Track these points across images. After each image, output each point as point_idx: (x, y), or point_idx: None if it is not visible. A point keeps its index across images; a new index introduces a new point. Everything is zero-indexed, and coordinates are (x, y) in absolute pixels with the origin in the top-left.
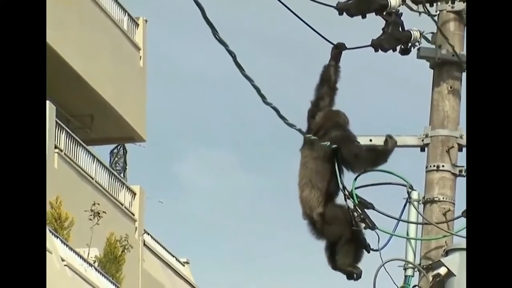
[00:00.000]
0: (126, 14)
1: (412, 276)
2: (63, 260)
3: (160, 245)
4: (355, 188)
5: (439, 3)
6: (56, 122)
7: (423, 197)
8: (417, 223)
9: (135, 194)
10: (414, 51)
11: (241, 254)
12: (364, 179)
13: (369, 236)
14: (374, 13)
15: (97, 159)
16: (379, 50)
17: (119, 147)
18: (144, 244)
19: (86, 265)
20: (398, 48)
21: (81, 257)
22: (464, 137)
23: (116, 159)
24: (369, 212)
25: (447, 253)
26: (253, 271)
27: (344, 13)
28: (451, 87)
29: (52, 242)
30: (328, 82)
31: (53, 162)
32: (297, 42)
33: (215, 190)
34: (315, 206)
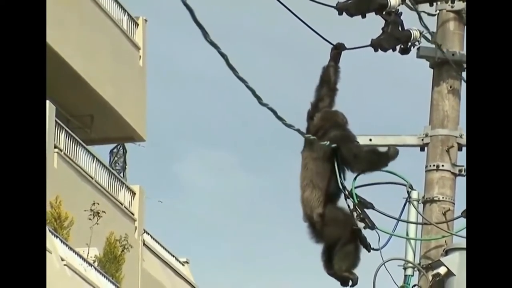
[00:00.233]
0: (126, 13)
1: (412, 275)
2: (62, 260)
3: (160, 244)
4: (355, 188)
5: (438, 3)
6: (56, 121)
7: (423, 197)
8: (417, 223)
9: (134, 193)
10: (414, 50)
11: (241, 254)
12: (363, 179)
13: (369, 235)
14: (373, 13)
15: (96, 158)
16: (379, 49)
17: (118, 146)
18: (144, 244)
19: (85, 264)
20: (397, 47)
21: (80, 256)
22: (464, 136)
23: (116, 158)
24: (368, 211)
25: (446, 252)
26: (253, 271)
27: (344, 13)
28: (450, 87)
29: (52, 242)
30: (327, 83)
31: (52, 161)
32: (297, 42)
33: (215, 190)
34: (315, 206)
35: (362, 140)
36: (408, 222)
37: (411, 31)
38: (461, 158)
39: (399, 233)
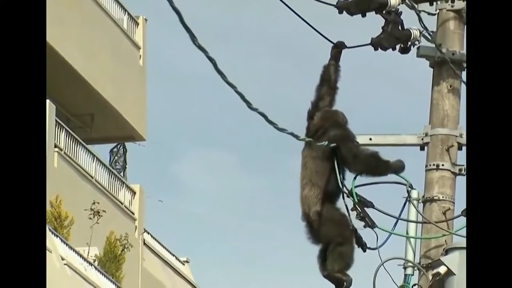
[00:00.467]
0: (126, 13)
1: (412, 275)
2: (63, 259)
3: (160, 244)
4: (355, 187)
5: (438, 2)
6: (56, 121)
7: (423, 196)
8: (416, 222)
9: (135, 193)
10: (413, 50)
11: (240, 254)
12: (363, 178)
13: (368, 235)
14: (373, 12)
15: (97, 158)
16: (379, 49)
17: (119, 146)
18: (144, 243)
19: (86, 264)
20: (397, 47)
21: (81, 256)
22: (464, 136)
23: (116, 158)
24: (369, 210)
25: (446, 252)
26: (252, 271)
27: (344, 12)
28: (450, 86)
29: (52, 241)
30: (328, 82)
31: (53, 161)
32: (297, 42)
33: (215, 190)
34: (313, 203)
35: (362, 139)
36: (408, 221)
37: (411, 30)
38: (461, 157)
39: (399, 232)
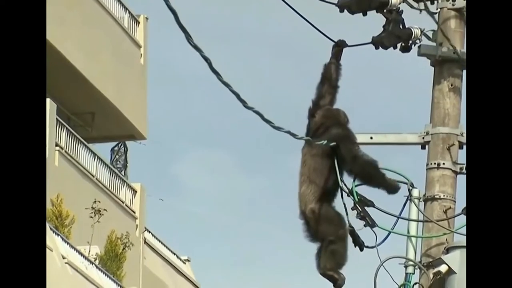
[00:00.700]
0: (127, 12)
1: (413, 273)
2: (64, 258)
3: (161, 242)
4: (355, 186)
5: (439, 1)
6: (57, 120)
7: (424, 195)
8: (417, 221)
9: (136, 191)
10: (414, 48)
11: (240, 254)
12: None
13: (367, 234)
14: (374, 11)
15: (98, 156)
16: (380, 47)
17: (120, 144)
18: (145, 242)
19: (87, 262)
20: (398, 45)
21: (82, 254)
22: (465, 134)
23: (117, 156)
24: (369, 209)
25: (447, 250)
26: (252, 271)
27: (345, 11)
28: (451, 85)
29: (53, 240)
30: (329, 80)
31: (54, 160)
32: (297, 41)
33: (214, 190)
34: (309, 201)
35: (363, 138)
36: (409, 220)
37: (412, 29)
38: (462, 156)
39: (400, 231)
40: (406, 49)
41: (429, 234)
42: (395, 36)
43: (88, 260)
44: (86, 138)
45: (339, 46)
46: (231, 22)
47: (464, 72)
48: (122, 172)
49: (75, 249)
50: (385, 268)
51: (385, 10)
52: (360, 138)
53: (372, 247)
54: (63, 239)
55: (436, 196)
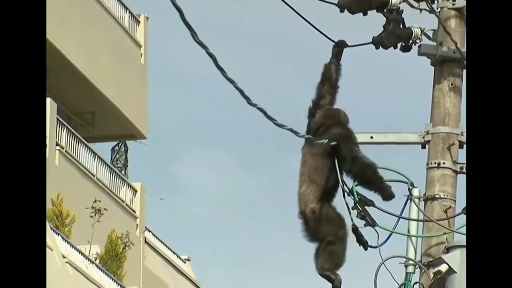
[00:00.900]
0: (127, 11)
1: (413, 273)
2: (64, 257)
3: (161, 242)
4: (356, 185)
5: (440, 0)
6: (58, 119)
7: (424, 194)
8: (418, 220)
9: (136, 191)
10: (415, 48)
11: (240, 254)
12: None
13: (368, 233)
14: (375, 11)
15: (98, 156)
16: (380, 47)
17: (120, 144)
18: (145, 241)
19: (87, 262)
20: (399, 45)
21: (82, 254)
22: (465, 134)
23: (117, 156)
24: (369, 209)
25: (448, 250)
26: (252, 271)
27: (346, 11)
28: (452, 84)
29: (53, 239)
30: (329, 80)
31: (54, 159)
32: (297, 41)
33: (214, 190)
34: (310, 200)
35: (363, 138)
36: (409, 219)
37: (412, 28)
38: (462, 155)
39: (400, 231)
40: (406, 48)
41: (429, 234)
42: (395, 35)
43: (89, 259)
44: (87, 138)
45: (339, 46)
46: (231, 22)
47: (464, 71)
48: (123, 172)
49: (75, 248)
50: (386, 267)
51: (385, 10)
52: (360, 138)
53: (375, 247)
54: (63, 238)
55: (436, 196)
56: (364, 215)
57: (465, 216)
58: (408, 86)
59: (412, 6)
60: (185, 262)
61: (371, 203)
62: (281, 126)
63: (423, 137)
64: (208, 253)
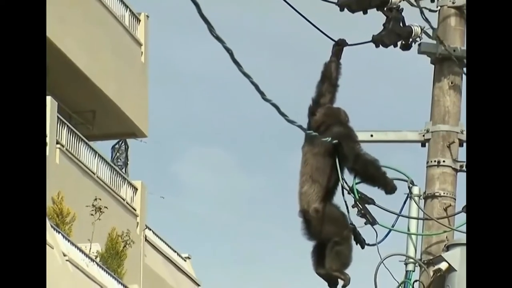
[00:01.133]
0: (128, 10)
1: (413, 271)
2: (64, 255)
3: (162, 240)
4: (356, 183)
5: None
6: (58, 117)
7: (424, 192)
8: (418, 218)
9: (136, 189)
10: (415, 46)
11: (240, 254)
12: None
13: (368, 231)
14: (375, 9)
15: (98, 154)
16: (380, 45)
17: (120, 142)
18: (146, 239)
19: (87, 260)
20: (399, 43)
21: (82, 252)
22: (465, 132)
23: (118, 154)
24: (369, 207)
25: (448, 248)
26: (252, 271)
27: (345, 9)
28: (452, 83)
29: (54, 237)
30: (329, 78)
31: (55, 157)
32: (296, 42)
33: (214, 189)
34: (313, 200)
35: (363, 136)
36: (409, 217)
37: (412, 27)
38: (462, 154)
39: (400, 229)
40: (406, 47)
41: (429, 232)
42: (395, 34)
43: (89, 257)
44: (87, 136)
45: (339, 45)
46: (231, 22)
47: (464, 70)
48: (123, 170)
49: (76, 246)
50: (385, 266)
51: (385, 9)
52: (360, 136)
53: (373, 245)
54: (64, 236)
55: (436, 194)
56: (364, 213)
57: (465, 214)
58: (408, 84)
59: (412, 4)
60: (185, 260)
61: (371, 201)
62: (292, 122)
63: (423, 135)
64: (209, 252)
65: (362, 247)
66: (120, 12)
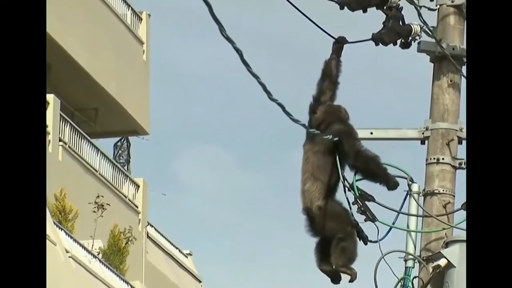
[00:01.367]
0: (130, 8)
1: (413, 267)
2: (67, 252)
3: (164, 237)
4: (356, 181)
5: None
6: (61, 115)
7: (423, 190)
8: (417, 216)
9: (138, 186)
10: (414, 45)
11: (240, 252)
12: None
13: (369, 228)
14: (374, 8)
15: (101, 152)
16: (380, 44)
17: (122, 140)
18: (148, 236)
19: (90, 256)
20: (398, 42)
21: (85, 249)
22: (464, 130)
23: (120, 152)
24: (369, 204)
25: (447, 244)
26: (252, 269)
27: (345, 8)
28: (451, 81)
29: (57, 234)
30: (329, 76)
31: (57, 155)
32: (295, 42)
33: (215, 187)
34: (316, 198)
35: (363, 133)
36: (408, 214)
37: (411, 25)
38: (461, 151)
39: (399, 226)
40: (405, 45)
41: (429, 229)
42: (395, 32)
43: (91, 254)
44: (90, 134)
45: (339, 43)
46: (230, 21)
47: (463, 68)
48: (125, 167)
49: (78, 243)
50: (385, 261)
51: (385, 7)
52: (360, 134)
53: (375, 242)
54: (66, 233)
55: (435, 191)
56: (364, 210)
57: (463, 211)
58: (407, 82)
59: (411, 3)
60: (187, 257)
61: (371, 198)
62: (296, 121)
63: (423, 133)
64: (209, 249)
65: (365, 243)
66: (122, 11)
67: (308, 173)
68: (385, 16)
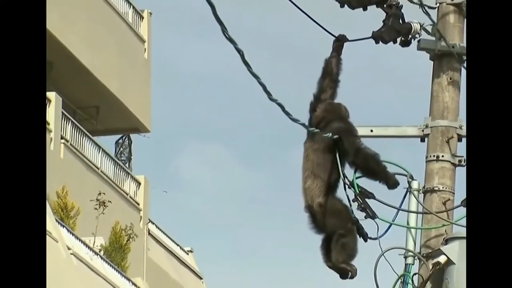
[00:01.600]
0: (131, 7)
1: (412, 264)
2: (69, 249)
3: (165, 234)
4: (356, 178)
5: None
6: (63, 113)
7: (423, 187)
8: (417, 212)
9: (140, 183)
10: (414, 43)
11: (240, 249)
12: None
13: (368, 225)
14: (375, 6)
15: (102, 149)
16: (380, 42)
17: (124, 137)
18: (149, 233)
19: (91, 253)
20: (398, 40)
21: (86, 245)
22: (464, 127)
23: (121, 149)
24: (369, 201)
25: (446, 241)
26: (252, 266)
27: (346, 6)
28: (450, 78)
29: (58, 231)
30: (330, 74)
31: (59, 152)
32: (296, 42)
33: (215, 185)
34: (316, 195)
35: (363, 131)
36: (408, 211)
37: (411, 23)
38: (461, 148)
39: (399, 223)
40: (405, 43)
41: (428, 226)
42: (395, 30)
43: (93, 251)
44: (91, 131)
45: (340, 41)
46: (230, 21)
47: (463, 65)
48: (126, 165)
49: (80, 240)
50: (385, 258)
51: (385, 5)
52: (360, 131)
53: (375, 239)
54: (68, 230)
55: (435, 188)
56: (364, 207)
57: (463, 208)
58: (407, 80)
59: (411, 1)
60: (188, 254)
61: (371, 196)
62: (295, 120)
63: (422, 131)
64: (210, 246)
65: (365, 240)
66: (123, 9)
67: (309, 171)
68: (385, 14)
